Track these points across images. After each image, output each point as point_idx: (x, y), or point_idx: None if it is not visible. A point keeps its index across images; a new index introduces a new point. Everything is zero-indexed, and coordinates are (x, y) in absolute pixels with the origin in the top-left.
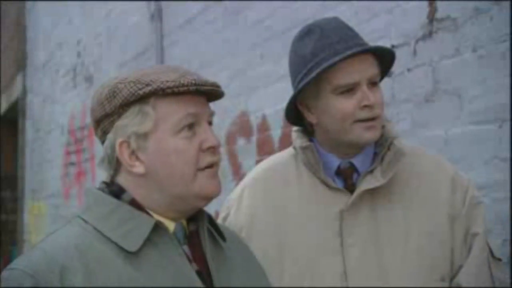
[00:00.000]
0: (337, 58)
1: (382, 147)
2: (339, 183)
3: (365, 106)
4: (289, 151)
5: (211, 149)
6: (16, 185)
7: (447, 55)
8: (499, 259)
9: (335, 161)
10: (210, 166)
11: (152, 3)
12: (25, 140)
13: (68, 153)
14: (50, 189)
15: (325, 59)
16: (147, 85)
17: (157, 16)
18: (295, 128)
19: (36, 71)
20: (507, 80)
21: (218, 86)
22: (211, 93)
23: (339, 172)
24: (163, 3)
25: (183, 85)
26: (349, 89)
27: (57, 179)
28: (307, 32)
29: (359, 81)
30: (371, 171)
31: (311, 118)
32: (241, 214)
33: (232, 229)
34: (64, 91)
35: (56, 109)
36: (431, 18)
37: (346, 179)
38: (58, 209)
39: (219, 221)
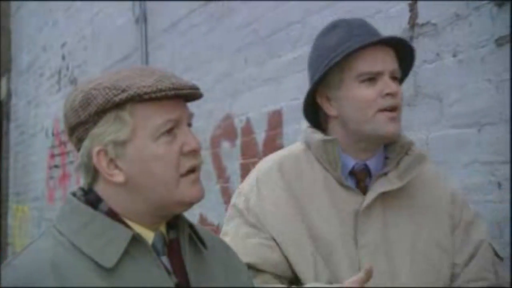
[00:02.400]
0: (364, 43)
1: (395, 152)
2: (350, 184)
3: (387, 94)
4: (298, 146)
5: (192, 152)
6: (0, 188)
7: (428, 60)
8: (502, 259)
9: (350, 162)
10: (192, 170)
11: (137, 6)
12: (9, 142)
13: (52, 156)
14: (34, 192)
15: (351, 47)
16: (123, 91)
17: (142, 20)
18: (307, 125)
19: (21, 74)
20: (486, 84)
21: (196, 88)
22: (190, 94)
23: (352, 173)
24: (148, 5)
25: (161, 90)
26: (371, 78)
27: (42, 182)
28: (333, 26)
29: (383, 71)
30: (385, 174)
31: (330, 110)
32: (265, 200)
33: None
34: (49, 94)
35: (41, 112)
36: (412, 23)
37: (358, 181)
38: (42, 212)
39: (233, 206)
